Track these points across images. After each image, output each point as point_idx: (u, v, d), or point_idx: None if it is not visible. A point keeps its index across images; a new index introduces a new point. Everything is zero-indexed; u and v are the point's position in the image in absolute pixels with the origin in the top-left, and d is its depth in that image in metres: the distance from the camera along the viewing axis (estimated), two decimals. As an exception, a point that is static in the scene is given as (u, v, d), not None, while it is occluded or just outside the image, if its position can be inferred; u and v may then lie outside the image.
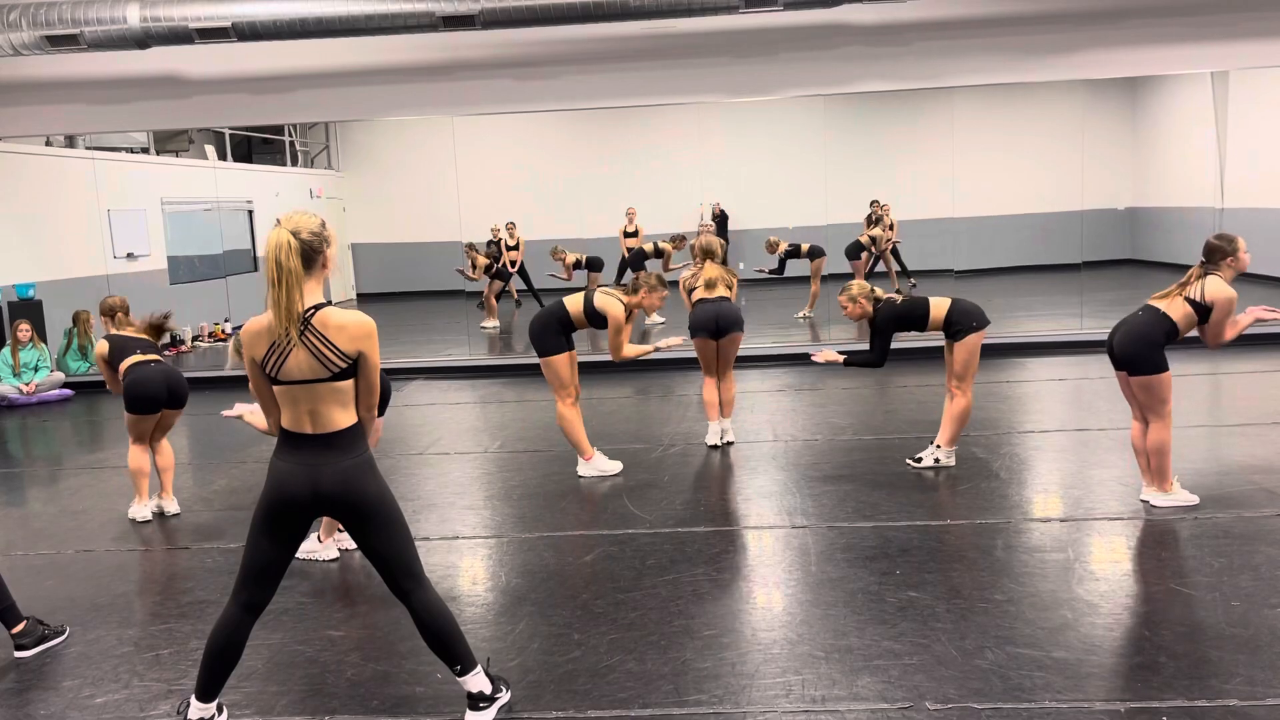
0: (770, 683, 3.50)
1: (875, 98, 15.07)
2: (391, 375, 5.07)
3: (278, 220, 3.00)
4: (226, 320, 14.05)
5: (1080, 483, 5.72)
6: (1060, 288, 13.78)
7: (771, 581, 4.46)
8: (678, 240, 13.82)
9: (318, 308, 3.00)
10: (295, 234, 2.96)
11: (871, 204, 14.59)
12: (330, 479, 3.03)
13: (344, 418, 3.06)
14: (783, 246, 13.18)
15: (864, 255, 13.76)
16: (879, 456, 6.38)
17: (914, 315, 5.91)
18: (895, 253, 14.51)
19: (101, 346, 5.84)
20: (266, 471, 3.13)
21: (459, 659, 3.24)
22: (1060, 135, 16.11)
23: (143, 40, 8.12)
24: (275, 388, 3.05)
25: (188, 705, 3.22)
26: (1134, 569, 4.43)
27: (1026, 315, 12.38)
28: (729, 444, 6.88)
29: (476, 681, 3.28)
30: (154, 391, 5.65)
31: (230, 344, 5.38)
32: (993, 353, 9.59)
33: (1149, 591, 4.16)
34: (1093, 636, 3.74)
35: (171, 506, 5.89)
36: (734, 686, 3.49)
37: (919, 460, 6.08)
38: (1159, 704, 3.24)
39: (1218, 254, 5.00)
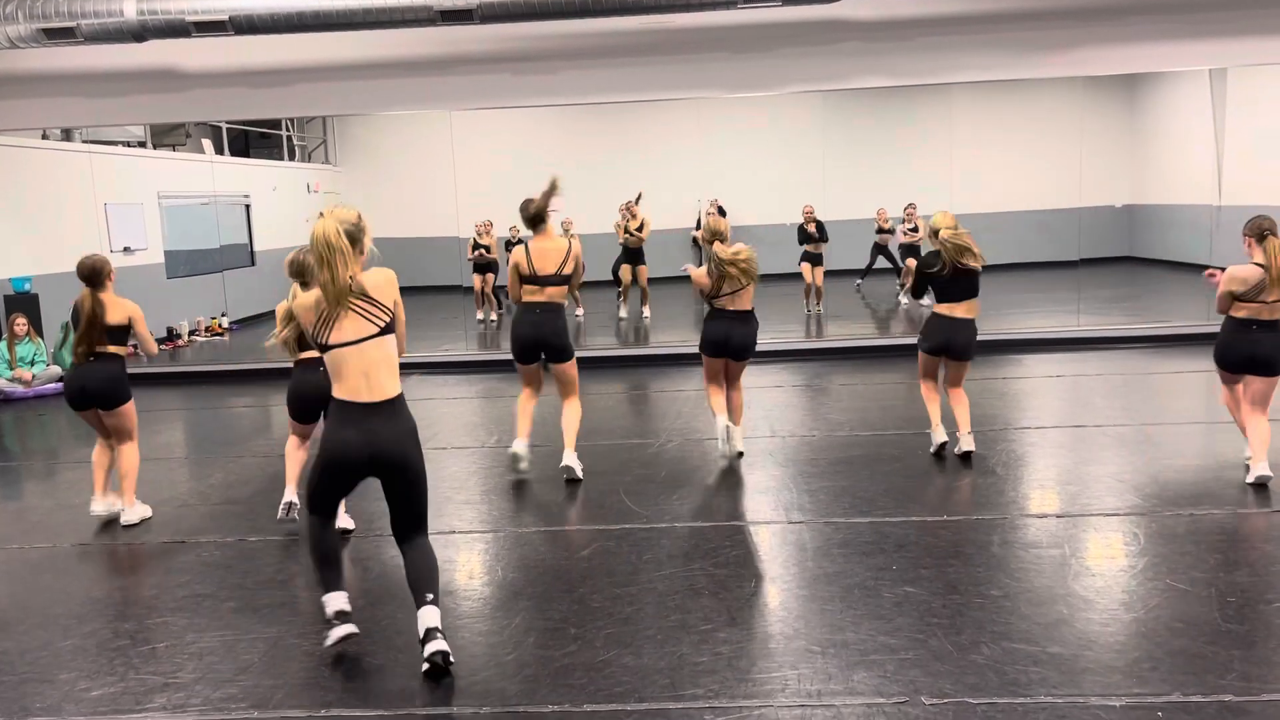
0: (766, 677, 3.51)
1: (873, 94, 15.06)
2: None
3: (321, 213, 3.52)
4: (223, 315, 14.03)
5: (1076, 479, 5.72)
6: (1057, 284, 13.77)
7: (768, 576, 4.47)
8: (633, 203, 13.69)
9: (352, 278, 3.54)
10: (340, 222, 3.49)
11: (907, 208, 14.07)
12: (389, 444, 3.55)
13: (394, 385, 3.59)
14: (813, 220, 13.23)
15: (910, 261, 13.42)
16: (876, 453, 6.38)
17: (929, 281, 6.23)
18: (885, 250, 14.45)
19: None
20: (321, 440, 3.63)
21: (434, 588, 3.67)
22: (1058, 132, 16.09)
23: (139, 33, 8.10)
24: (327, 356, 3.55)
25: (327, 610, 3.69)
26: (1130, 565, 4.44)
27: (1023, 312, 12.39)
28: (739, 454, 6.30)
29: (435, 615, 3.62)
30: (71, 391, 5.54)
31: (278, 310, 5.22)
32: (990, 349, 9.59)
33: (1145, 587, 4.16)
34: (1088, 632, 3.75)
35: (125, 512, 5.58)
36: (730, 681, 3.49)
37: (967, 454, 6.11)
38: (1154, 699, 3.25)
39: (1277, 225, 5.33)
